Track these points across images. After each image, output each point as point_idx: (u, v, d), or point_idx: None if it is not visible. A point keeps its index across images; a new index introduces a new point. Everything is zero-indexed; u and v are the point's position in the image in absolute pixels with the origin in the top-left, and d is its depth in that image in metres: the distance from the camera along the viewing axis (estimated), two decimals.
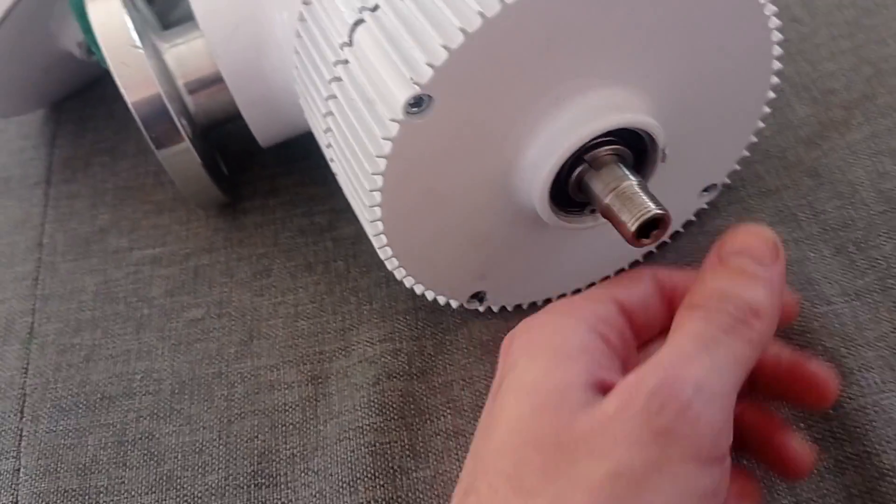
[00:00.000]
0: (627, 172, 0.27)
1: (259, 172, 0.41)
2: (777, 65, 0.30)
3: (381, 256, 0.29)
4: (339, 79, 0.27)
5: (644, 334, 0.26)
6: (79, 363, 0.35)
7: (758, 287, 0.23)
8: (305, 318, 0.35)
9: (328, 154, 0.31)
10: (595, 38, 0.26)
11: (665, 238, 0.33)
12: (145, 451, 0.32)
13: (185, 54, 0.35)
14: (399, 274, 0.30)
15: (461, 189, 0.28)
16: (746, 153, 0.33)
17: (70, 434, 0.33)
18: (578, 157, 0.27)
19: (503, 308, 0.34)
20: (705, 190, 0.34)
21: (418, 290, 0.31)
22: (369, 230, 0.29)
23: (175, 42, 0.35)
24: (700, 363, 0.21)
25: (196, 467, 0.32)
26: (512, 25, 0.24)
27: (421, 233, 0.29)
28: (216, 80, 0.34)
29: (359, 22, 0.26)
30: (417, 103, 0.24)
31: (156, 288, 0.38)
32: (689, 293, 0.24)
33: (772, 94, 0.32)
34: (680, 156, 0.30)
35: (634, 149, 0.28)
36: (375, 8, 0.26)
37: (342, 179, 0.31)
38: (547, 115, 0.27)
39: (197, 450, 0.32)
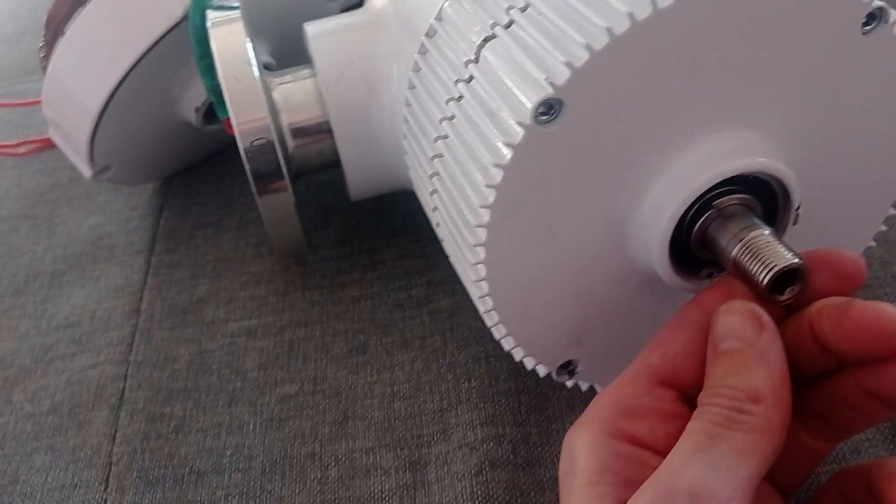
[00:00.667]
0: (759, 222, 0.25)
1: (358, 246, 0.40)
2: None
3: (476, 294, 0.27)
4: (458, 97, 0.26)
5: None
6: (168, 434, 0.34)
7: (750, 368, 0.22)
8: (402, 399, 0.34)
9: (432, 204, 0.30)
10: (742, 73, 0.24)
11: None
12: None
13: (294, 92, 0.34)
14: (490, 319, 0.27)
15: (575, 226, 0.26)
16: (884, 228, 0.31)
17: None
18: (706, 203, 0.25)
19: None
20: None
21: (507, 344, 0.28)
22: (468, 259, 0.26)
23: (285, 79, 0.35)
24: (694, 467, 0.20)
25: None
26: (661, 35, 0.22)
27: (523, 271, 0.26)
28: (320, 123, 0.34)
29: (490, 38, 0.26)
30: (548, 109, 0.23)
31: (250, 361, 0.37)
32: None
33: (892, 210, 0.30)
34: (812, 227, 0.28)
35: (765, 207, 0.26)
36: (510, 24, 0.25)
37: (446, 218, 0.29)
38: (679, 148, 0.25)
39: None
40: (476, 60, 0.26)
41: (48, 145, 0.47)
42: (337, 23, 0.35)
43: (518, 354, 0.29)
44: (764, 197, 0.26)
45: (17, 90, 0.55)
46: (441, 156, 0.27)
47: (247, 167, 0.32)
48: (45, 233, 0.45)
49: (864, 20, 0.25)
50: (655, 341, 0.25)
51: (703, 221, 0.25)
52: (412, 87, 0.30)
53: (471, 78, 0.26)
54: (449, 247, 0.29)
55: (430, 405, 0.33)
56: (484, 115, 0.25)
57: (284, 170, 0.33)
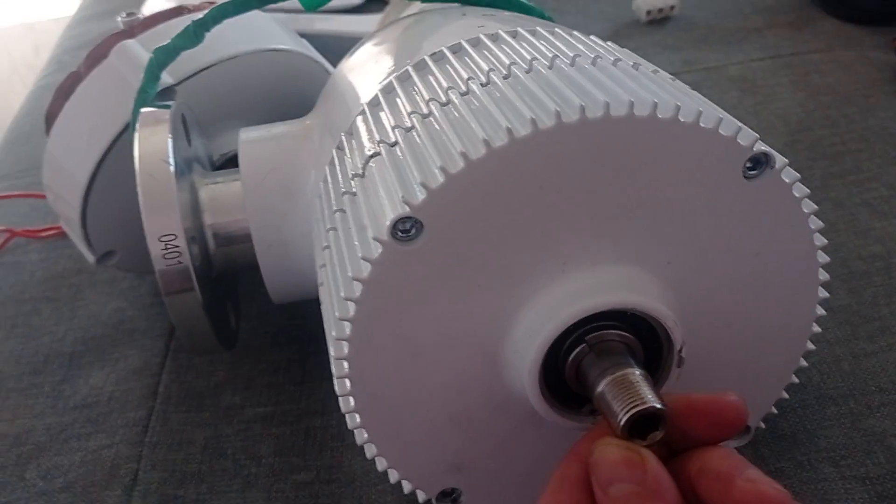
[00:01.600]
0: (631, 361, 0.24)
1: None
2: (823, 292, 0.28)
3: (342, 408, 0.26)
4: (343, 210, 0.27)
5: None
6: None
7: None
8: None
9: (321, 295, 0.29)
10: (615, 209, 0.24)
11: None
12: None
13: (219, 193, 0.35)
14: (359, 437, 0.26)
15: (444, 349, 0.25)
16: (786, 395, 0.30)
17: None
18: (580, 336, 0.24)
19: None
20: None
21: (380, 464, 0.27)
22: (335, 370, 0.26)
23: (215, 180, 0.36)
24: None
25: None
26: (520, 163, 0.23)
27: (390, 391, 0.26)
28: (242, 226, 0.34)
29: (374, 154, 0.26)
30: (406, 228, 0.23)
31: (265, 447, 0.37)
32: None
33: (817, 328, 0.28)
34: (704, 377, 0.27)
35: (648, 348, 0.25)
36: (394, 144, 0.26)
37: (324, 317, 0.28)
38: (549, 277, 0.24)
39: None
40: (362, 175, 0.26)
41: None
42: (268, 130, 0.36)
43: (393, 477, 0.28)
44: (648, 337, 0.25)
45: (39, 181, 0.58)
46: (324, 266, 0.27)
47: (154, 265, 0.32)
48: (67, 315, 0.46)
49: (748, 164, 0.24)
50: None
51: (576, 355, 0.24)
52: (319, 196, 0.31)
53: (354, 192, 0.26)
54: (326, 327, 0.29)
55: None
56: (355, 228, 0.25)
57: (192, 270, 0.33)
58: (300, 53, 0.42)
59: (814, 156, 0.48)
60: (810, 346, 0.29)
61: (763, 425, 0.30)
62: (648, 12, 0.63)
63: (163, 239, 0.32)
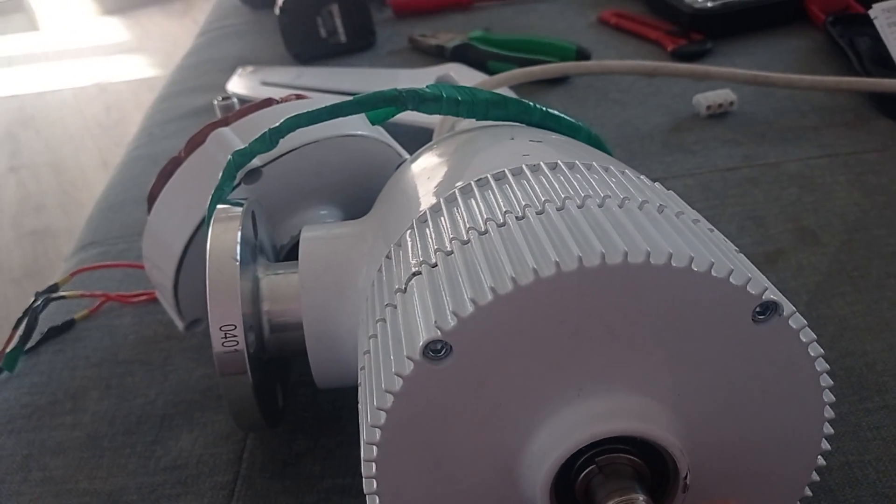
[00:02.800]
0: (637, 487, 0.26)
1: None
2: (828, 428, 0.29)
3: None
4: (384, 320, 0.29)
5: None
6: None
7: None
8: None
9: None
10: (628, 344, 0.26)
11: None
12: None
13: (278, 284, 0.38)
14: None
15: (464, 461, 0.28)
16: None
17: None
18: (591, 457, 0.27)
19: None
20: None
21: None
22: (363, 470, 0.28)
23: (276, 272, 0.39)
24: None
25: None
26: (542, 300, 0.25)
27: (411, 496, 0.28)
28: (296, 315, 0.37)
29: (416, 273, 0.29)
30: (437, 349, 0.25)
31: None
32: None
33: (822, 461, 0.30)
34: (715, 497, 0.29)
35: (655, 471, 0.27)
36: (434, 265, 0.28)
37: (360, 419, 0.30)
38: (565, 401, 0.27)
39: None
40: (404, 290, 0.29)
41: None
42: (328, 230, 0.39)
43: None
44: (656, 463, 0.27)
45: (131, 248, 0.61)
46: (363, 368, 0.30)
47: (213, 349, 0.35)
48: (159, 378, 0.48)
49: (757, 310, 0.26)
50: None
51: (586, 474, 0.27)
52: (367, 298, 0.33)
53: (395, 305, 0.29)
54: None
55: None
56: (392, 341, 0.28)
57: (246, 357, 0.35)
58: (374, 139, 0.46)
59: (870, 255, 0.49)
60: (815, 476, 0.30)
61: None
62: (708, 107, 0.66)
63: (223, 328, 0.35)
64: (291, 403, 0.45)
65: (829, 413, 0.29)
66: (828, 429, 0.30)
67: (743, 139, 0.62)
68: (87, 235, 0.66)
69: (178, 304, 0.44)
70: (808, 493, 0.31)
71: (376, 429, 0.27)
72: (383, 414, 0.27)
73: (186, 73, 0.90)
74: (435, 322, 0.26)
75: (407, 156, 0.46)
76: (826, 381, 0.28)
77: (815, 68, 0.69)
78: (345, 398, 0.45)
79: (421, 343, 0.25)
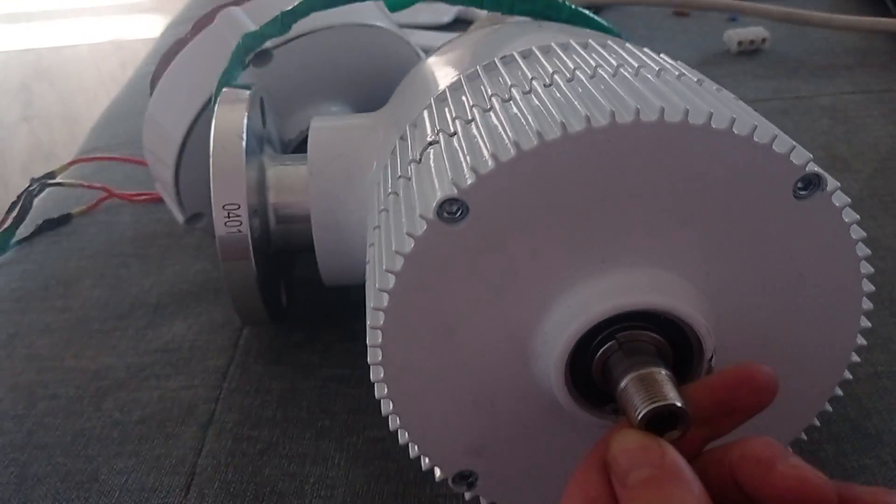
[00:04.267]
0: (659, 361, 0.24)
1: None
2: (865, 322, 0.27)
3: (372, 377, 0.27)
4: (396, 193, 0.28)
5: None
6: (253, 454, 0.36)
7: (667, 490, 0.21)
8: None
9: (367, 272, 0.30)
10: (659, 215, 0.25)
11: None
12: None
13: (286, 174, 0.37)
14: (384, 407, 0.27)
15: (476, 332, 0.26)
16: (817, 423, 0.29)
17: None
18: (611, 333, 0.25)
19: None
20: None
21: (401, 437, 0.28)
22: (369, 339, 0.27)
23: (283, 162, 0.38)
24: None
25: None
26: (569, 158, 0.23)
27: (420, 366, 0.26)
28: (303, 207, 0.36)
29: (432, 143, 0.27)
30: (452, 210, 0.24)
31: (340, 404, 0.38)
32: None
33: (856, 358, 0.28)
34: None
35: (678, 356, 0.25)
36: (453, 134, 0.27)
37: (367, 291, 0.29)
38: (587, 272, 0.25)
39: None
40: (419, 161, 0.27)
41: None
42: (339, 121, 0.38)
43: (413, 452, 0.28)
44: (679, 343, 0.25)
45: (135, 153, 0.59)
46: (373, 244, 0.28)
47: (216, 230, 0.34)
48: (154, 271, 0.47)
49: (799, 184, 0.25)
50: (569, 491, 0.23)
51: (604, 352, 0.25)
52: (378, 182, 0.32)
53: (409, 177, 0.27)
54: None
55: None
56: (405, 208, 0.26)
57: (249, 241, 0.34)
58: (392, 33, 0.44)
59: None
60: (847, 375, 0.28)
61: (790, 450, 0.30)
62: (739, 43, 0.64)
63: (227, 207, 0.34)
64: (293, 300, 0.44)
65: (864, 323, 0.28)
66: (860, 340, 0.28)
67: (774, 75, 0.61)
68: (89, 143, 0.64)
69: (178, 194, 0.42)
70: (828, 407, 0.29)
71: (384, 293, 0.25)
72: (392, 277, 0.25)
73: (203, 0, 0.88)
74: (452, 179, 0.24)
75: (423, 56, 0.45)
76: (866, 267, 0.26)
77: (849, 10, 0.67)
78: (349, 297, 0.43)
79: (436, 201, 0.24)
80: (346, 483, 0.34)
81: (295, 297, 0.44)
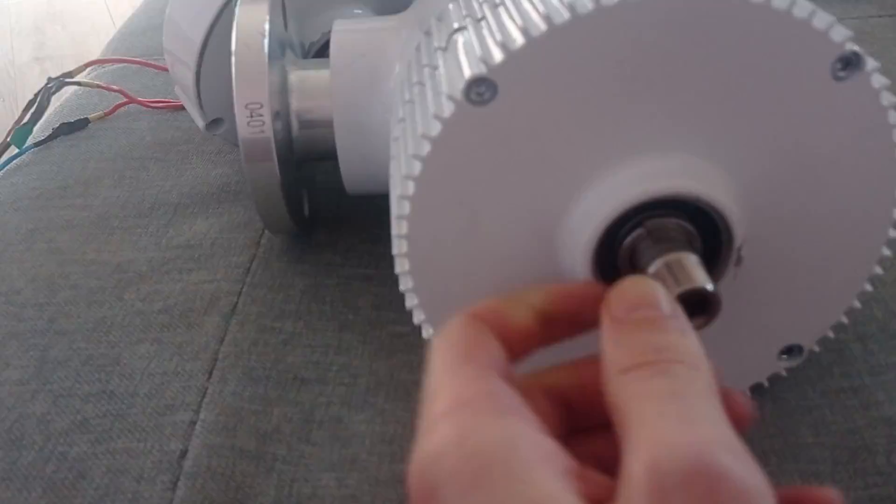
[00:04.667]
0: (687, 247, 0.23)
1: None
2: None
3: (397, 269, 0.27)
4: (422, 83, 0.27)
5: None
6: (276, 344, 0.36)
7: (665, 328, 0.20)
8: None
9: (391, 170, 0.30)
10: (694, 96, 0.24)
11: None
12: (332, 434, 0.32)
13: (308, 78, 0.36)
14: (409, 300, 0.27)
15: (502, 220, 0.25)
16: (845, 320, 0.29)
17: (256, 401, 0.33)
18: (640, 221, 0.24)
19: None
20: (786, 352, 0.29)
21: (425, 332, 0.28)
22: (394, 229, 0.26)
23: (305, 66, 0.37)
24: (680, 428, 0.17)
25: (384, 455, 0.31)
26: (602, 33, 0.23)
27: (445, 256, 0.26)
28: (325, 111, 0.35)
29: (459, 29, 0.26)
30: (480, 91, 0.23)
31: (364, 301, 0.38)
32: (604, 364, 0.20)
33: (887, 251, 0.27)
34: (759, 286, 0.26)
35: (708, 243, 0.25)
36: (481, 18, 0.26)
37: (391, 184, 0.29)
38: (617, 158, 0.24)
39: (387, 440, 0.32)
40: (444, 48, 0.26)
41: (183, 107, 0.50)
42: (362, 22, 0.37)
43: (427, 331, 0.28)
44: (708, 232, 0.25)
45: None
46: (397, 138, 0.28)
47: (238, 130, 0.33)
48: (174, 174, 0.47)
49: (837, 64, 0.24)
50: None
51: (632, 239, 0.24)
52: (402, 81, 0.31)
53: (435, 65, 0.26)
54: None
55: None
56: (432, 95, 0.25)
57: (273, 142, 0.34)
58: None
59: None
60: (878, 270, 0.28)
61: (817, 348, 0.30)
62: None
63: (249, 106, 0.33)
64: (314, 207, 0.44)
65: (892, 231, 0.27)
66: (892, 231, 0.27)
67: None
68: (105, 55, 0.64)
69: (199, 97, 0.42)
70: (857, 304, 0.29)
71: (410, 180, 0.25)
72: (419, 163, 0.24)
73: None
74: (480, 57, 0.23)
75: None
76: None
77: None
78: (371, 204, 0.43)
79: (464, 81, 0.23)
80: (369, 372, 0.35)
81: (317, 210, 0.43)
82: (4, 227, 0.45)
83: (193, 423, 0.33)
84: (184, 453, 0.31)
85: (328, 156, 0.37)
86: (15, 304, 0.39)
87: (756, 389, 0.31)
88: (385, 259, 0.39)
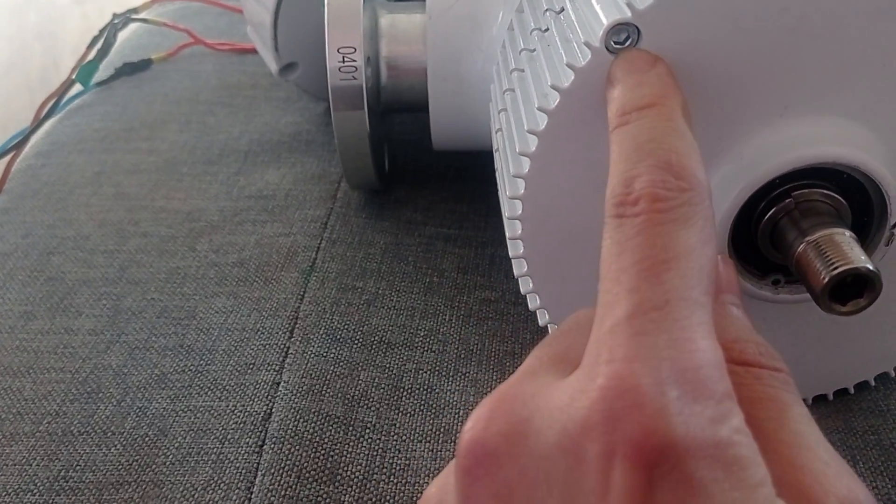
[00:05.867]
0: (839, 222, 0.21)
1: None
2: None
3: (508, 233, 0.25)
4: (540, 29, 0.24)
5: None
6: (360, 304, 0.34)
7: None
8: None
9: (494, 142, 0.28)
10: (857, 55, 0.22)
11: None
12: (423, 402, 0.30)
13: (400, 22, 0.34)
14: (518, 268, 0.25)
15: None
16: None
17: (341, 363, 0.31)
18: (784, 193, 0.22)
19: None
20: None
21: (531, 303, 0.26)
22: (508, 189, 0.24)
23: (396, 10, 0.35)
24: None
25: None
26: None
27: (560, 222, 0.24)
28: (417, 59, 0.33)
29: None
30: (621, 37, 0.21)
31: (448, 263, 0.36)
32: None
33: None
34: None
35: (857, 219, 0.23)
36: None
37: (500, 149, 0.27)
38: (765, 121, 0.22)
39: None
40: (558, 11, 0.24)
41: (250, 51, 0.50)
42: None
43: (541, 319, 0.27)
44: (858, 207, 0.23)
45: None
46: (512, 90, 0.26)
47: (329, 76, 0.32)
48: (242, 119, 0.46)
49: None
50: None
51: (775, 211, 0.22)
52: (511, 28, 0.29)
53: (561, 9, 0.24)
54: (498, 178, 0.28)
55: None
56: (560, 42, 0.23)
57: (364, 89, 0.32)
58: None
59: None
60: None
61: None
62: None
63: (342, 51, 0.32)
64: (393, 161, 0.42)
65: None
66: None
67: None
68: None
69: (275, 39, 0.40)
70: None
71: (532, 135, 0.23)
72: (545, 117, 0.22)
73: None
74: (626, 1, 0.21)
75: None
76: None
77: None
78: (453, 159, 0.41)
79: (606, 26, 0.21)
80: (458, 339, 0.33)
81: (394, 164, 0.42)
82: (69, 168, 0.43)
83: (276, 383, 0.31)
84: (268, 415, 0.30)
85: (417, 107, 0.35)
86: (84, 250, 0.38)
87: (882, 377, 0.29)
88: (468, 219, 0.39)
